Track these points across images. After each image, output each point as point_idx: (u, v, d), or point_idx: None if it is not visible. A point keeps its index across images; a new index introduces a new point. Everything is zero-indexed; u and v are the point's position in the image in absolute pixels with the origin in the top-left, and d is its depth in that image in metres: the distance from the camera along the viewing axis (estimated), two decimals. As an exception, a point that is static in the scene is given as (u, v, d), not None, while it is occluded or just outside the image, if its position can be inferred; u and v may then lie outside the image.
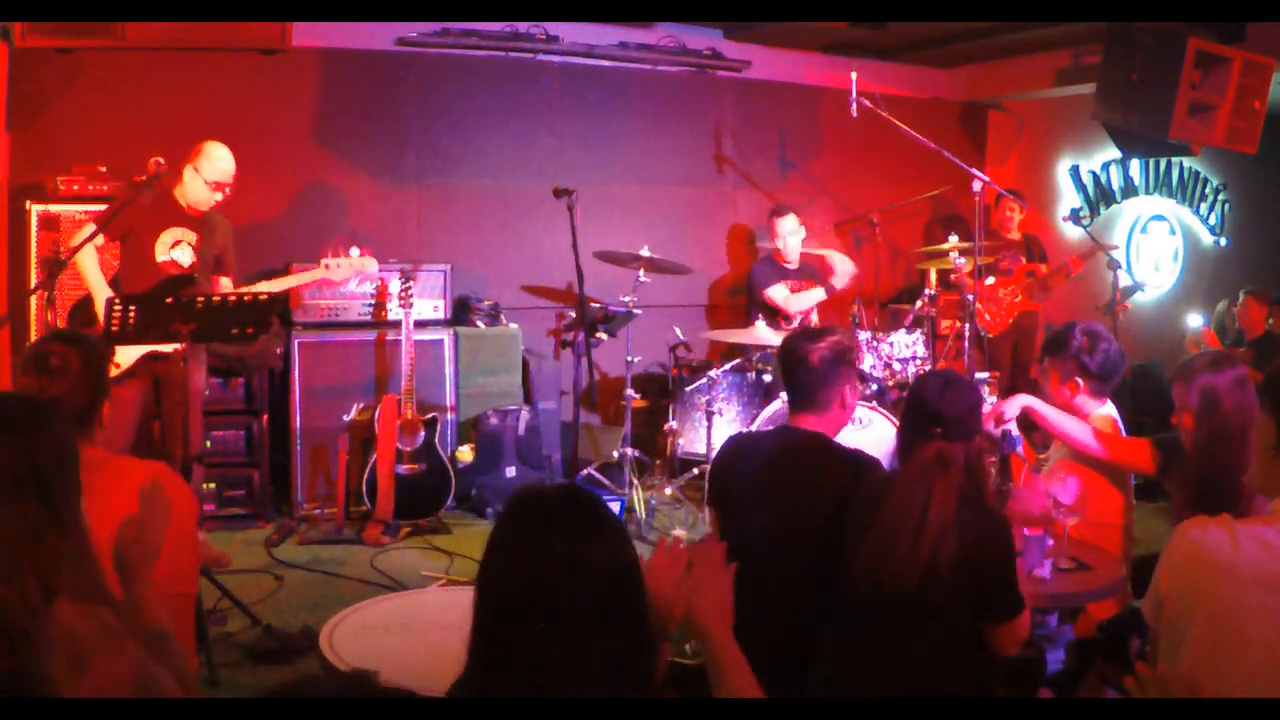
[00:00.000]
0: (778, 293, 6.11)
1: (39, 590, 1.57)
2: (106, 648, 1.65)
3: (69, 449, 1.78)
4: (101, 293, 4.30)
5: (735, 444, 3.14)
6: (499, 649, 1.48)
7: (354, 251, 4.79)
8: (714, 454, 3.26)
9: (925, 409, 2.57)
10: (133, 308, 3.83)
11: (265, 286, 4.61)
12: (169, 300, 3.96)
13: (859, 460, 2.85)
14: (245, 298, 4.19)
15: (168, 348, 4.28)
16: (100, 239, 4.30)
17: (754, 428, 5.23)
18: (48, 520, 1.67)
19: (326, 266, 4.75)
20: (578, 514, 1.54)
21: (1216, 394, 2.97)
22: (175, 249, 4.48)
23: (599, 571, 1.49)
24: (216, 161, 4.49)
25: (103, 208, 4.85)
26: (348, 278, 4.89)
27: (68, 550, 1.67)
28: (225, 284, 4.68)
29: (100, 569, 1.75)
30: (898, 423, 3.21)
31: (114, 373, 4.16)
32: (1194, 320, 6.98)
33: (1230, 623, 1.95)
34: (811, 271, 6.36)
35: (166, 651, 1.82)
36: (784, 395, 5.20)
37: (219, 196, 4.53)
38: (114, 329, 3.83)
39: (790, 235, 6.19)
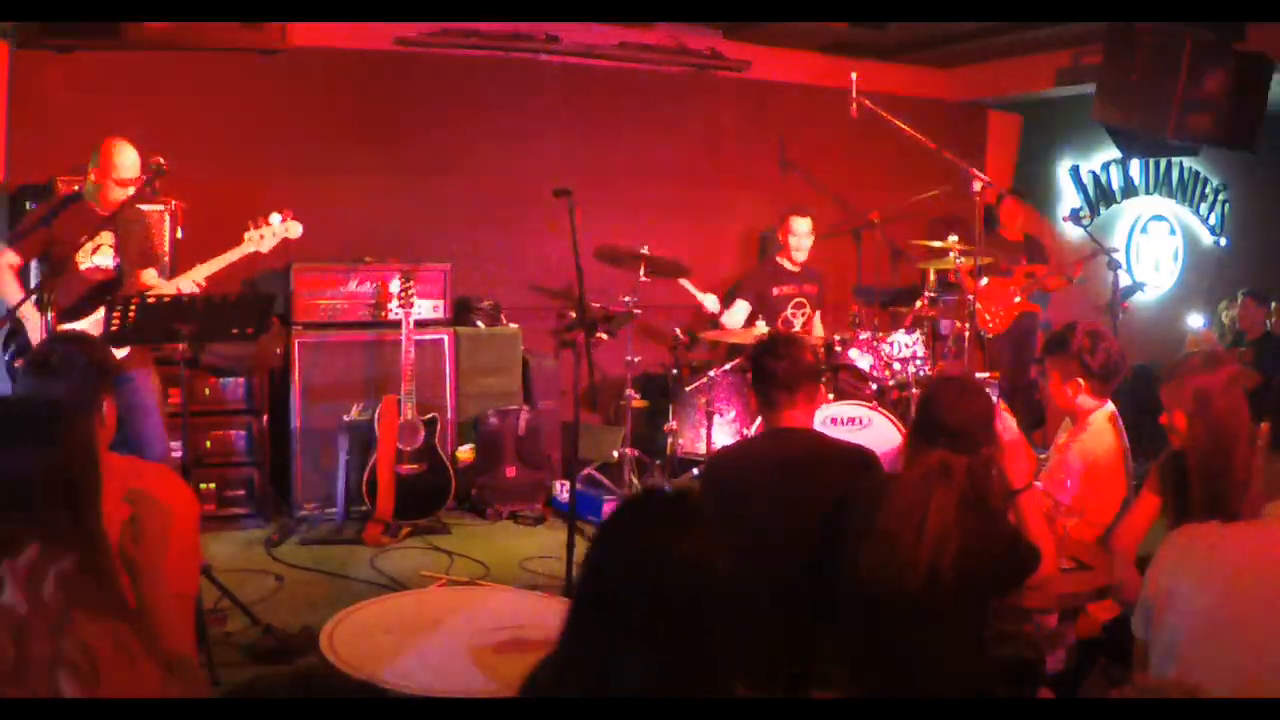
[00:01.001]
0: (739, 309, 6.18)
1: (61, 605, 1.55)
2: (123, 665, 1.63)
3: (94, 454, 1.76)
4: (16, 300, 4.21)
5: (730, 457, 3.21)
6: (585, 638, 1.52)
7: (275, 218, 4.60)
8: (705, 470, 3.33)
9: (934, 416, 2.58)
10: (133, 308, 3.83)
11: (194, 272, 4.45)
12: (168, 299, 3.96)
13: (861, 455, 2.89)
14: (230, 297, 4.17)
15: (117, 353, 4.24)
16: (15, 259, 4.27)
17: (754, 427, 5.23)
18: (73, 530, 1.65)
19: (248, 239, 4.57)
20: (685, 517, 1.57)
21: (1210, 394, 2.94)
22: (96, 254, 4.40)
23: (696, 574, 1.51)
24: (120, 157, 4.32)
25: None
26: (275, 246, 4.66)
27: (89, 562, 1.65)
28: (150, 275, 4.58)
29: (119, 581, 1.72)
30: (909, 423, 3.24)
31: None
32: (1194, 320, 6.99)
33: (1219, 626, 1.95)
34: (814, 276, 6.35)
35: (187, 675, 1.80)
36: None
37: (131, 190, 4.35)
38: (114, 329, 3.83)
39: (804, 236, 6.19)
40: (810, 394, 3.08)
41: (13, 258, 4.27)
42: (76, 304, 4.29)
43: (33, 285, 4.32)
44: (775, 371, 3.03)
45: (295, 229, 4.63)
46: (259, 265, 5.46)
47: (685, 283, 6.05)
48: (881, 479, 2.71)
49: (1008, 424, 2.75)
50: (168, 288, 4.42)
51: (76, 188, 4.59)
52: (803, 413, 3.07)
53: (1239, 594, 1.94)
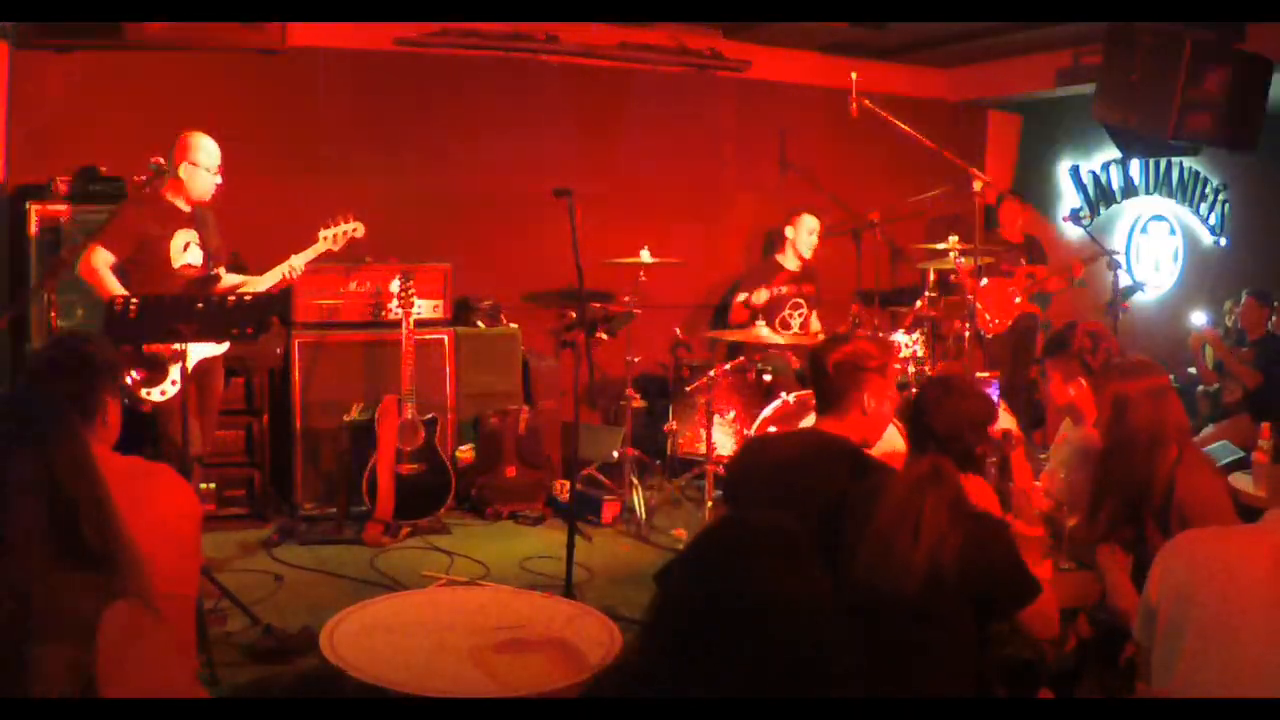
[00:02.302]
0: (742, 297, 6.18)
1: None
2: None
3: (84, 450, 1.79)
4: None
5: (756, 444, 3.20)
6: (671, 655, 1.49)
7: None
8: (735, 454, 3.30)
9: (922, 421, 2.59)
10: (132, 307, 3.83)
11: (274, 273, 4.63)
12: (167, 300, 3.96)
13: (858, 464, 2.86)
14: (245, 297, 4.20)
15: (213, 350, 4.31)
16: (110, 257, 4.26)
17: (754, 428, 5.23)
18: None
19: (323, 238, 4.75)
20: (787, 549, 1.55)
21: (1126, 402, 2.88)
22: (187, 252, 4.44)
23: (792, 606, 1.50)
24: (208, 146, 4.42)
25: (103, 207, 4.86)
26: (344, 245, 4.87)
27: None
28: (220, 273, 4.65)
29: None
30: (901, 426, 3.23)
31: (173, 390, 4.17)
32: (1198, 319, 6.96)
33: (1223, 632, 1.94)
34: (812, 276, 6.36)
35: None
36: (785, 395, 5.23)
37: (219, 180, 4.48)
38: (114, 329, 3.83)
39: (811, 234, 6.28)
40: (845, 405, 2.92)
41: (107, 255, 4.26)
42: (146, 295, 4.27)
43: (126, 285, 4.30)
44: (814, 373, 2.98)
45: (359, 228, 4.85)
46: (259, 266, 5.48)
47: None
48: (875, 484, 2.69)
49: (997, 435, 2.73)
50: (262, 283, 4.57)
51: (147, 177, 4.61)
52: (855, 423, 2.94)
53: (1243, 599, 1.93)
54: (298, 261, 4.67)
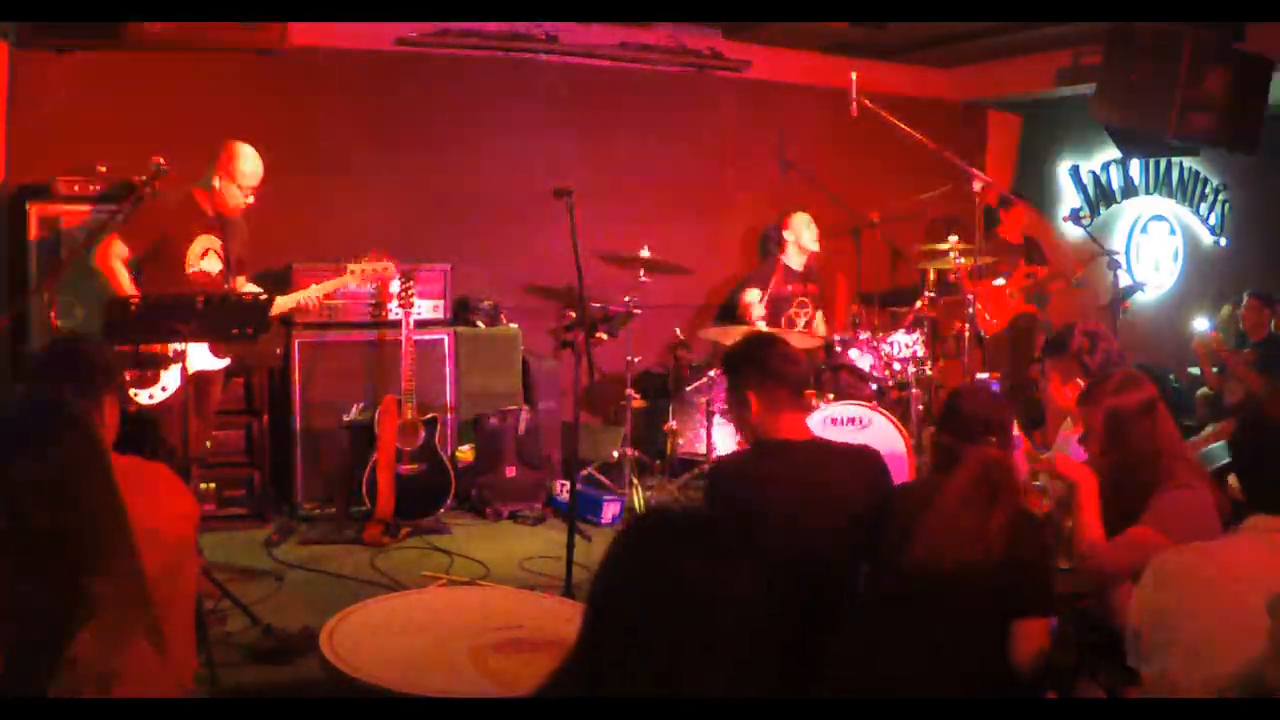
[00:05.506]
0: (752, 296, 6.16)
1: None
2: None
3: (98, 449, 1.81)
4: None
5: (740, 476, 2.98)
6: (610, 659, 1.48)
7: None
8: (712, 487, 3.03)
9: (977, 416, 2.68)
10: (133, 306, 3.83)
11: (295, 296, 4.67)
12: (167, 299, 3.95)
13: (868, 459, 2.90)
14: (245, 297, 4.19)
15: (216, 364, 4.31)
16: (125, 250, 4.25)
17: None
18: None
19: (350, 272, 4.79)
20: (719, 541, 1.54)
21: (1123, 418, 2.83)
22: (205, 258, 4.42)
23: (730, 600, 1.48)
24: (247, 163, 4.42)
25: (102, 208, 4.86)
26: (367, 282, 4.92)
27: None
28: (239, 283, 4.64)
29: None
30: (910, 424, 3.23)
31: (162, 395, 4.18)
32: (1200, 324, 6.95)
33: (1211, 642, 1.92)
34: (816, 276, 6.36)
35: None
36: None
37: (251, 199, 4.48)
38: (114, 328, 3.82)
39: (810, 228, 6.25)
40: (808, 399, 3.08)
41: (122, 249, 4.26)
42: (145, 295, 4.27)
43: (140, 285, 4.28)
44: (787, 373, 2.87)
45: (390, 268, 4.92)
46: (259, 267, 5.49)
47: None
48: (931, 479, 2.74)
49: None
50: (288, 300, 4.61)
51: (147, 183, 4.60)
52: (803, 419, 3.01)
53: (1228, 612, 1.91)
54: (317, 291, 4.70)
